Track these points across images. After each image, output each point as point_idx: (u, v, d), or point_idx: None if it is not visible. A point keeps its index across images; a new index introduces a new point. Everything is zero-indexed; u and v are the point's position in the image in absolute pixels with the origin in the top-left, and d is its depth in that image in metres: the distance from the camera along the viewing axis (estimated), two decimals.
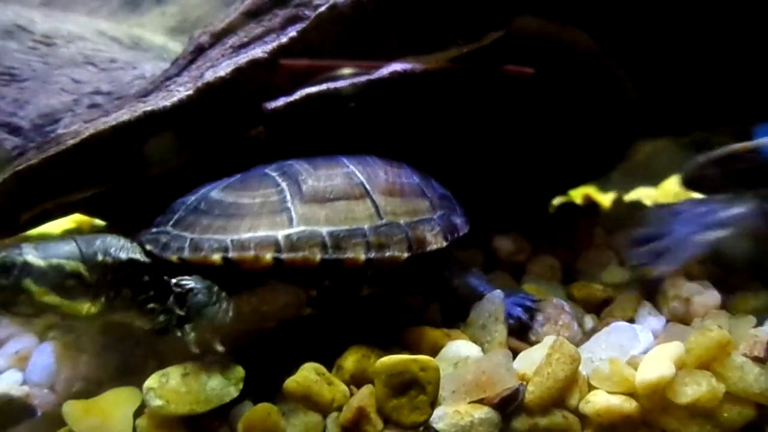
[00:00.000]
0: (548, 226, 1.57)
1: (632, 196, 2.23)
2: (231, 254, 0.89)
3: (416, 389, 0.88)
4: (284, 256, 0.89)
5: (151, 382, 0.88)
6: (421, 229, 1.02)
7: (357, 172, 1.01)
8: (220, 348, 0.88)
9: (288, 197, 0.94)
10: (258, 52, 1.05)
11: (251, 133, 1.07)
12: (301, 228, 0.92)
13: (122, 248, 0.91)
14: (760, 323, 1.03)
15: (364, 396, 0.89)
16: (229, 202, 0.94)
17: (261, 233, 0.91)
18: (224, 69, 1.02)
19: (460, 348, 0.95)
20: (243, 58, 1.04)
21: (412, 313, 1.14)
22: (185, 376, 0.88)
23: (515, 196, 1.54)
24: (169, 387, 0.87)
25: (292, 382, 0.89)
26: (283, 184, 0.96)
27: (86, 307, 0.89)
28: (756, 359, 0.91)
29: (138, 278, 0.92)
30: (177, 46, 2.05)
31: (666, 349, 0.93)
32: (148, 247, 0.92)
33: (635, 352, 0.97)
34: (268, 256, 0.89)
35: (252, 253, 0.89)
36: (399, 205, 1.02)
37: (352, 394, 0.91)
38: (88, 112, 1.27)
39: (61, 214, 1.07)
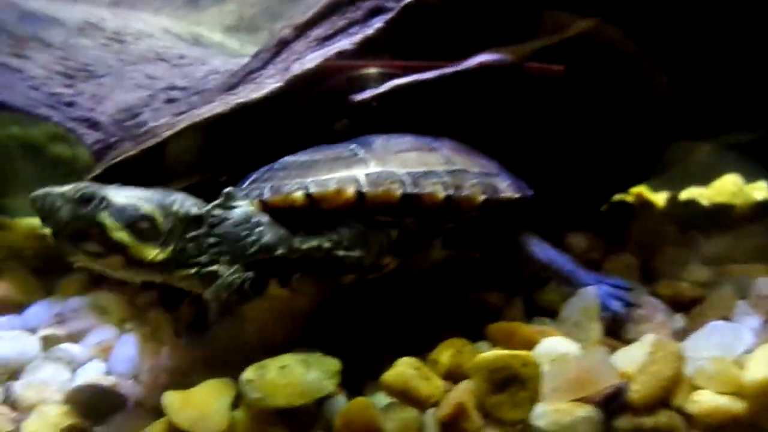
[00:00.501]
0: (610, 224, 1.54)
1: (685, 195, 2.18)
2: (312, 190, 0.89)
3: (517, 385, 0.86)
4: (366, 189, 0.90)
5: (249, 374, 0.88)
6: (493, 179, 1.04)
7: (423, 137, 1.03)
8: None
9: (361, 152, 0.96)
10: (345, 44, 1.04)
11: (336, 126, 1.07)
12: (379, 169, 0.94)
13: (195, 204, 0.92)
14: None
15: (463, 392, 0.87)
16: (303, 160, 0.97)
17: (340, 174, 0.92)
18: (311, 61, 1.02)
19: (557, 344, 0.93)
20: (330, 50, 1.03)
21: (493, 308, 1.12)
22: (283, 369, 0.88)
23: (573, 195, 1.52)
24: (268, 379, 0.87)
25: (390, 376, 0.88)
26: (353, 145, 0.99)
27: (153, 253, 0.89)
28: None
29: None
30: (234, 44, 2.07)
31: None
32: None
33: (738, 352, 0.93)
34: (351, 190, 0.90)
35: (334, 187, 0.89)
36: (468, 160, 1.04)
37: (448, 390, 0.90)
38: (166, 107, 1.29)
39: None
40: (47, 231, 0.89)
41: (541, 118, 1.30)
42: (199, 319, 1.27)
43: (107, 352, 1.19)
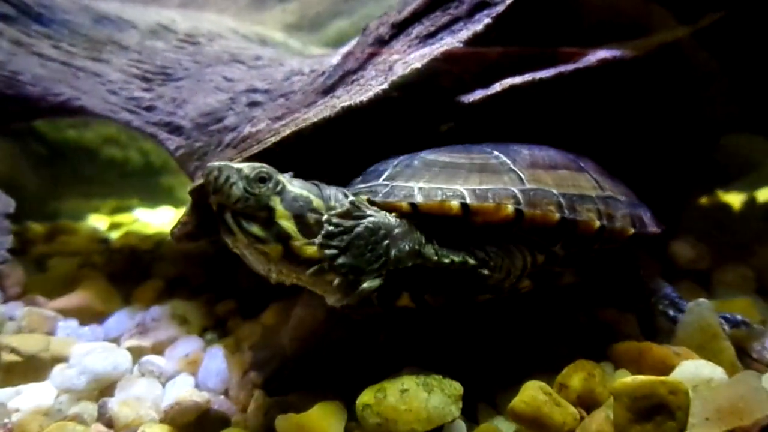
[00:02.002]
0: (703, 230, 1.44)
1: (762, 196, 2.05)
2: (469, 201, 0.83)
3: (664, 415, 0.78)
4: (525, 209, 0.84)
5: (367, 398, 0.83)
6: (638, 210, 0.99)
7: (565, 152, 0.97)
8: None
9: (508, 161, 0.90)
10: (451, 41, 0.97)
11: (442, 128, 1.00)
12: (534, 186, 0.88)
13: (346, 196, 0.86)
14: None
15: (601, 420, 0.80)
16: (445, 161, 0.90)
17: (494, 186, 0.86)
18: (419, 61, 0.95)
19: (700, 368, 0.85)
20: (437, 49, 0.96)
21: (607, 326, 1.05)
22: (404, 393, 0.82)
23: (658, 198, 1.43)
24: (388, 404, 0.81)
25: (520, 403, 0.81)
26: (496, 152, 0.92)
27: (312, 250, 0.82)
28: None
29: None
30: (295, 43, 2.03)
31: None
32: (367, 196, 0.86)
33: None
34: (510, 207, 0.84)
35: (492, 202, 0.83)
36: (614, 187, 0.99)
37: (581, 417, 0.83)
38: (248, 110, 1.24)
39: None
40: (213, 203, 0.83)
41: (632, 117, 1.21)
42: None
43: (195, 365, 1.15)
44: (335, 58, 1.15)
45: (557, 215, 0.85)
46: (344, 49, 1.16)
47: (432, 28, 1.03)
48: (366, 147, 0.96)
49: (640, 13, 1.12)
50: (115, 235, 2.16)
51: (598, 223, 0.88)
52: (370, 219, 0.81)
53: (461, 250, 0.84)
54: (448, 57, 0.96)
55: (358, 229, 0.80)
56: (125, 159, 2.58)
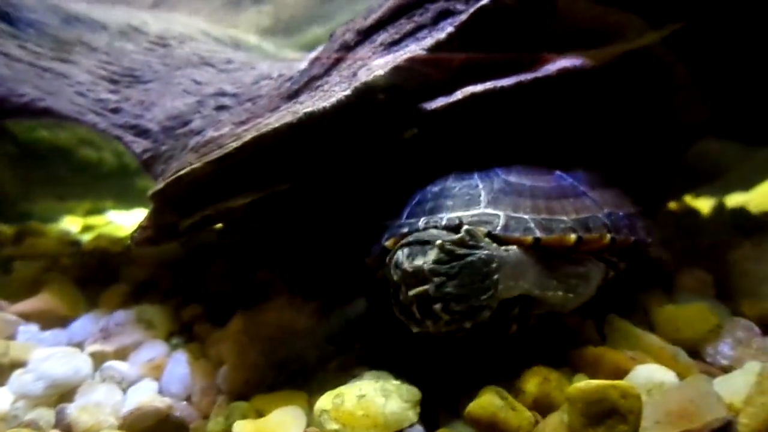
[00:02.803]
0: (669, 235, 1.46)
1: (730, 202, 2.10)
2: (582, 234, 0.90)
3: (616, 418, 0.79)
4: (616, 236, 0.95)
5: (324, 403, 0.83)
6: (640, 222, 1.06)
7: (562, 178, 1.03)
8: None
9: (578, 185, 0.99)
10: (414, 48, 0.98)
11: (405, 135, 1.01)
12: (609, 210, 0.98)
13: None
14: None
15: (555, 424, 0.81)
16: (529, 185, 0.96)
17: (584, 215, 0.94)
18: (382, 68, 0.96)
19: (654, 373, 0.86)
20: (400, 56, 0.97)
21: (569, 331, 1.06)
22: (361, 398, 0.82)
23: None
24: (345, 409, 0.81)
25: (476, 407, 0.82)
26: (561, 173, 1.02)
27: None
28: None
29: None
30: (270, 47, 2.02)
31: None
32: (486, 228, 0.87)
33: None
34: (608, 235, 0.94)
35: (595, 233, 0.92)
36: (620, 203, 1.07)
37: (536, 422, 0.84)
38: (216, 114, 1.23)
39: (219, 220, 1.03)
40: None
41: (599, 123, 1.23)
42: None
43: (158, 371, 1.14)
44: (303, 63, 1.16)
45: (611, 237, 0.95)
46: (312, 55, 1.17)
47: (396, 36, 1.03)
48: (328, 154, 0.96)
49: (615, 22, 1.15)
50: (87, 237, 2.13)
51: (632, 238, 0.99)
52: (485, 252, 0.82)
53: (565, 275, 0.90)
54: (411, 64, 0.97)
55: (470, 258, 0.81)
56: (100, 160, 2.54)
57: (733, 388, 0.84)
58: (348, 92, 0.95)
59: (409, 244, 0.86)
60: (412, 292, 0.82)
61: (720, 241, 1.42)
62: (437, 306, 0.81)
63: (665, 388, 0.85)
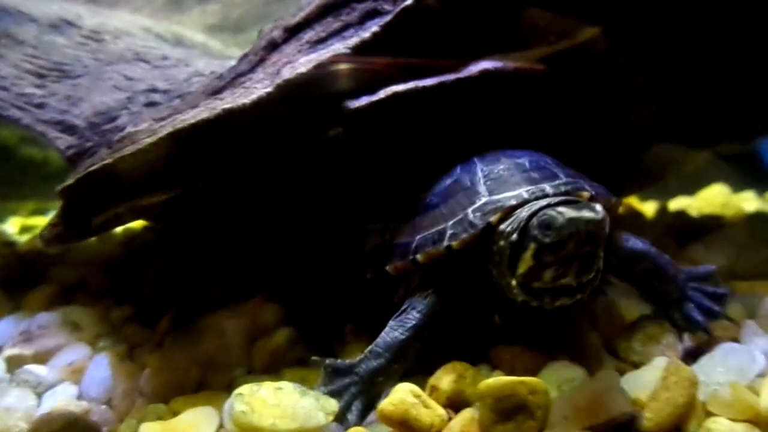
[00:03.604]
0: None
1: (674, 205, 2.16)
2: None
3: (524, 414, 0.80)
4: None
5: (243, 388, 0.83)
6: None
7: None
8: None
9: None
10: (339, 47, 0.98)
11: (329, 134, 1.00)
12: None
13: None
14: None
15: (466, 421, 0.82)
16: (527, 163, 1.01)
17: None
18: (304, 65, 0.96)
19: (565, 369, 0.88)
20: (324, 54, 0.97)
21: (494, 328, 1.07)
22: (278, 390, 0.82)
23: None
24: (259, 396, 0.81)
25: (388, 405, 0.82)
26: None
27: None
28: None
29: None
30: (217, 45, 1.99)
31: None
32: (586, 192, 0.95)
33: (752, 376, 0.89)
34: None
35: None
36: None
37: (450, 419, 0.84)
38: (145, 110, 1.21)
39: (132, 218, 1.00)
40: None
41: (529, 124, 1.25)
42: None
43: (79, 374, 1.10)
44: (234, 61, 1.14)
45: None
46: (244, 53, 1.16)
47: (323, 34, 1.03)
48: (249, 151, 0.95)
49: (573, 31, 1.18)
50: (24, 238, 2.06)
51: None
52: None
53: None
54: (334, 62, 0.97)
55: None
56: (45, 159, 2.46)
57: (640, 383, 0.87)
58: (269, 89, 0.94)
59: (556, 205, 0.86)
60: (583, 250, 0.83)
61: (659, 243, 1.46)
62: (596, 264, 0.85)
63: (575, 383, 0.86)
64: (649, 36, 1.28)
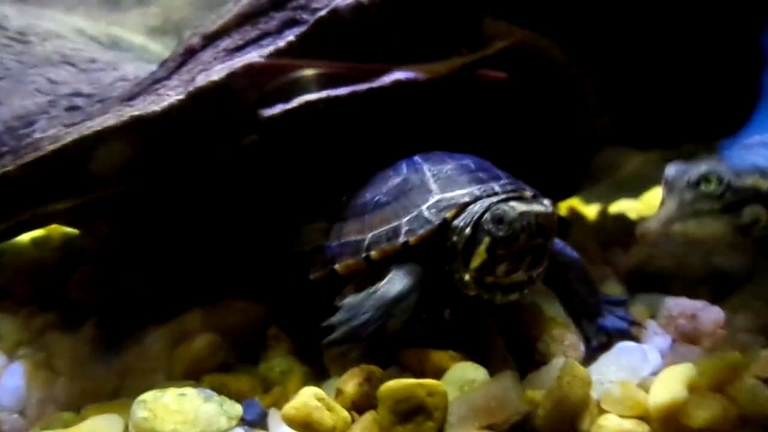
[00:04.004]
0: None
1: (615, 208, 2.23)
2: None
3: (423, 415, 0.83)
4: None
5: (147, 395, 0.84)
6: None
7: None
8: None
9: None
10: (254, 56, 0.99)
11: (245, 141, 1.01)
12: None
13: None
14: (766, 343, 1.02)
15: (367, 423, 0.84)
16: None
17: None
18: (218, 73, 0.97)
19: (467, 370, 0.91)
20: (238, 62, 0.98)
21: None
22: (181, 396, 0.83)
23: None
24: (161, 402, 0.82)
25: (290, 409, 0.83)
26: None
27: None
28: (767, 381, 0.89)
29: None
30: (158, 48, 1.97)
31: (677, 370, 0.90)
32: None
33: (644, 374, 0.94)
34: None
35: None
36: None
37: (354, 420, 0.86)
38: (66, 114, 1.19)
39: (38, 225, 0.99)
40: None
41: (468, 130, 1.29)
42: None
43: None
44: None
45: None
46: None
47: (240, 42, 1.04)
48: (161, 159, 0.95)
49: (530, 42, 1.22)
50: None
51: None
52: None
53: None
54: (248, 70, 0.98)
55: None
56: None
57: (540, 383, 0.91)
58: (181, 96, 0.95)
59: (507, 200, 0.91)
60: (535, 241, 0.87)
61: (575, 245, 1.51)
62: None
63: (476, 384, 0.89)
64: (602, 42, 1.33)
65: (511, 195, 0.94)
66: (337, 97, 0.99)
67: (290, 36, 1.01)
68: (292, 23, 1.05)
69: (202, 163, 1.02)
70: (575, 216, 2.04)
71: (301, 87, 1.01)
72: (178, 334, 1.17)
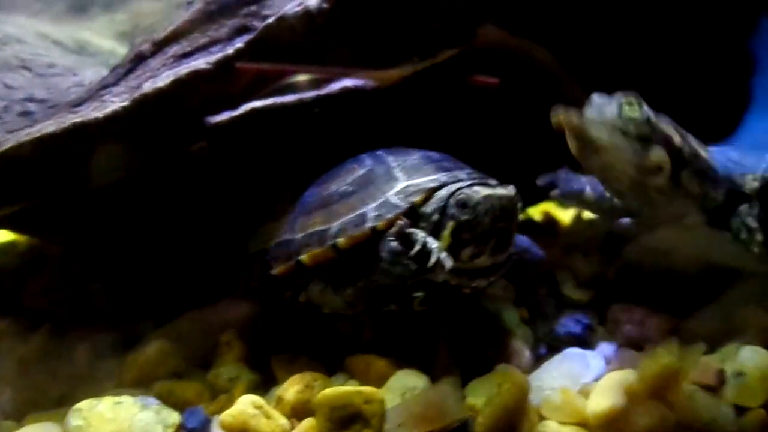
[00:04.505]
0: None
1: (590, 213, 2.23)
2: None
3: (360, 423, 0.83)
4: None
5: (82, 403, 0.84)
6: None
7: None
8: None
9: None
10: (201, 63, 0.99)
11: (193, 148, 1.01)
12: None
13: None
14: (711, 350, 1.03)
15: (304, 431, 0.84)
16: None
17: None
18: (163, 80, 0.97)
19: (408, 377, 0.91)
20: (184, 68, 0.98)
21: (348, 338, 1.09)
22: (117, 404, 0.83)
23: None
24: (97, 410, 0.82)
25: (227, 416, 0.83)
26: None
27: None
28: (706, 388, 0.90)
29: None
30: (126, 51, 1.97)
31: (617, 377, 0.91)
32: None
33: (587, 380, 0.95)
34: None
35: None
36: None
37: (293, 428, 0.86)
38: (18, 120, 1.19)
39: None
40: None
41: (449, 132, 1.29)
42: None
43: None
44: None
45: None
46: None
47: (189, 49, 1.04)
48: (105, 166, 0.95)
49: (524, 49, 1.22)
50: None
51: None
52: None
53: None
54: (194, 77, 0.98)
55: None
56: None
57: (481, 389, 0.91)
58: (125, 103, 0.95)
59: (471, 185, 0.92)
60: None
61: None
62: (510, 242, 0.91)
63: (416, 391, 0.89)
64: (592, 46, 1.34)
65: (476, 182, 0.94)
66: (284, 105, 0.99)
67: (239, 43, 1.02)
68: (243, 30, 1.05)
69: (150, 169, 1.01)
70: (549, 219, 2.06)
71: (248, 93, 1.01)
72: (130, 341, 1.16)
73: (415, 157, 1.02)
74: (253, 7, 1.06)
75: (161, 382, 1.07)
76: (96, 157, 0.96)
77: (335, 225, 0.95)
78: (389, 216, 0.92)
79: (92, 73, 1.40)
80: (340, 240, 0.93)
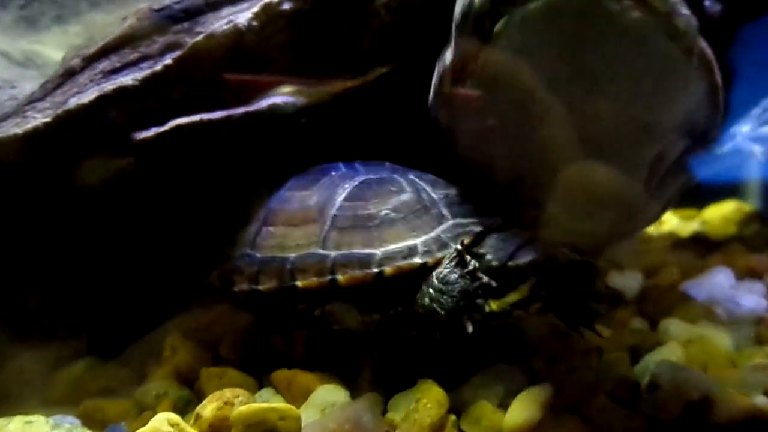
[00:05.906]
0: None
1: None
2: None
3: None
4: None
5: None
6: None
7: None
8: None
9: None
10: (128, 79, 0.99)
11: (120, 163, 1.01)
12: None
13: None
14: (634, 361, 1.05)
15: None
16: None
17: None
18: (88, 96, 0.97)
19: (329, 393, 0.91)
20: (110, 85, 0.98)
21: (279, 352, 1.09)
22: (28, 424, 0.82)
23: None
24: (6, 430, 0.80)
25: None
26: None
27: None
28: (621, 401, 0.92)
29: None
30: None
31: (536, 391, 0.92)
32: None
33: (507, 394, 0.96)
34: None
35: None
36: None
37: None
38: None
39: None
40: None
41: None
42: None
43: None
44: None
45: None
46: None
47: (118, 64, 1.05)
48: (25, 181, 0.95)
49: None
50: None
51: None
52: None
53: None
54: (120, 93, 0.98)
55: None
56: None
57: (402, 404, 0.92)
58: (47, 119, 0.95)
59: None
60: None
61: None
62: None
63: (336, 407, 0.90)
64: None
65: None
66: (210, 121, 1.00)
67: (168, 59, 1.02)
68: (174, 47, 1.06)
69: (77, 185, 1.01)
70: None
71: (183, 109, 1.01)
72: (60, 357, 1.15)
73: (454, 192, 1.03)
74: (186, 24, 1.07)
75: (90, 399, 1.07)
76: (18, 173, 0.95)
77: (380, 251, 0.94)
78: (438, 255, 0.93)
79: (32, 86, 1.38)
80: (387, 269, 0.92)
